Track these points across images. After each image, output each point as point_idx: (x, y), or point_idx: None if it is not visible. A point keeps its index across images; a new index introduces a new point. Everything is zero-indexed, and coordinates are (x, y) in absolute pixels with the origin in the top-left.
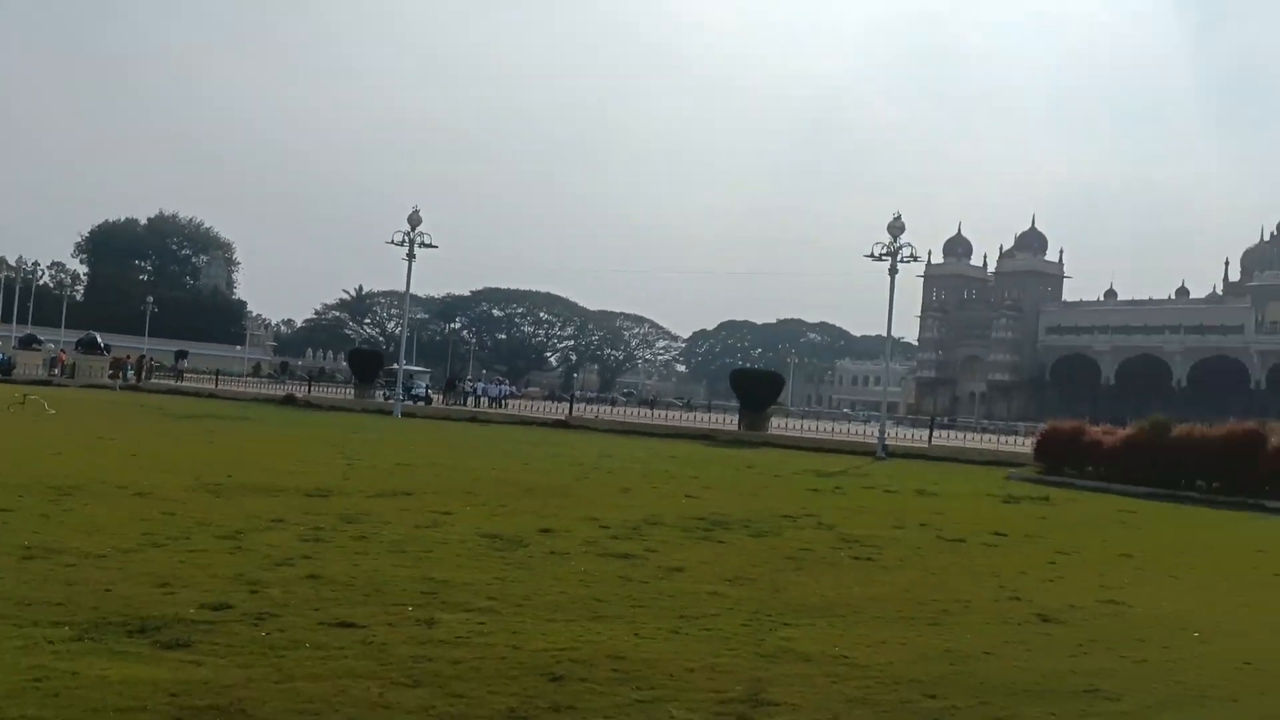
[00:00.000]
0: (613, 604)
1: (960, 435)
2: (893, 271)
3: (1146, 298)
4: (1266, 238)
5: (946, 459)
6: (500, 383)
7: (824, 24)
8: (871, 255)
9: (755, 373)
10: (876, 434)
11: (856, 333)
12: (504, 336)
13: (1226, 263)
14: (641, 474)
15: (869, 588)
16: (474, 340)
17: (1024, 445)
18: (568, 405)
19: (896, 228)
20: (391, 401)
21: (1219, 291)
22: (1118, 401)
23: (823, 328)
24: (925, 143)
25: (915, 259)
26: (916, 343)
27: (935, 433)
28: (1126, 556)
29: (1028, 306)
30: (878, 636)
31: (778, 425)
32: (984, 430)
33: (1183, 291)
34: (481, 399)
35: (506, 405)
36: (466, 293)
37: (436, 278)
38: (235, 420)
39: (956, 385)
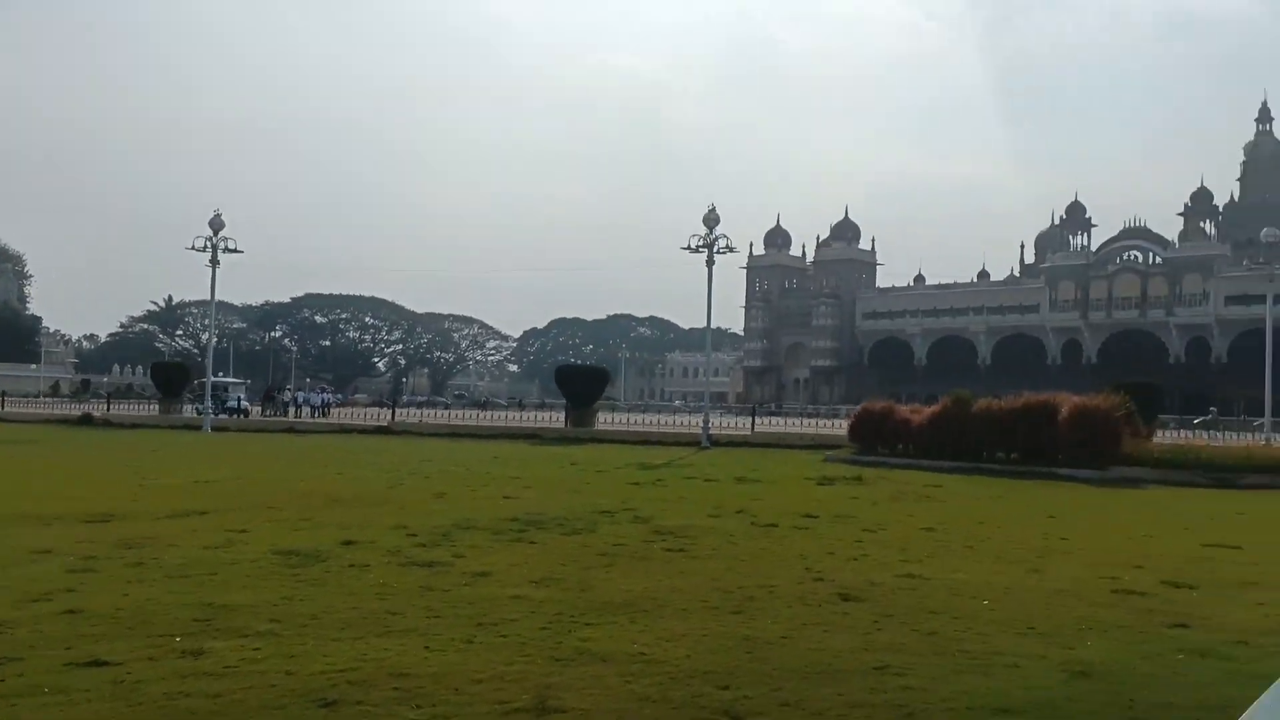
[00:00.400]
0: (407, 616)
1: (783, 421)
2: (710, 263)
3: (952, 281)
4: (1056, 222)
5: (769, 445)
6: (323, 391)
7: (638, 20)
8: (689, 247)
9: (580, 369)
10: (701, 424)
11: (685, 325)
12: (328, 343)
13: (1022, 246)
14: (461, 477)
15: (677, 579)
16: (296, 349)
17: (843, 428)
18: (390, 411)
19: (712, 220)
20: (202, 416)
21: (1016, 274)
22: (931, 381)
23: (653, 321)
24: (744, 137)
25: (732, 250)
26: (743, 333)
27: (759, 420)
28: (928, 530)
29: (845, 294)
30: (679, 629)
31: (605, 420)
32: (809, 415)
33: (983, 274)
34: (303, 409)
35: (330, 414)
36: (287, 299)
37: (255, 285)
38: (18, 445)
39: (782, 372)
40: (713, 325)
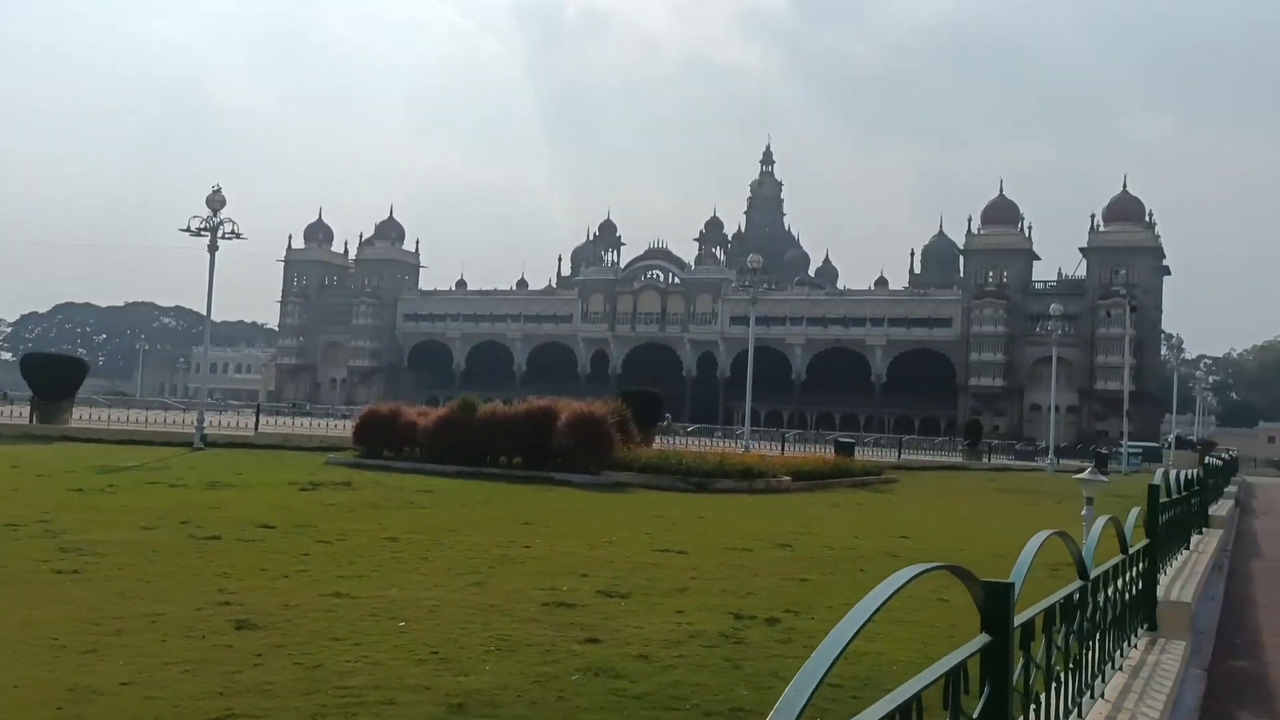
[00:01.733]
0: None
1: (307, 422)
2: (212, 248)
3: (493, 288)
4: (590, 238)
5: (273, 446)
6: None
7: None
8: (188, 230)
9: (50, 358)
10: (205, 423)
11: (217, 318)
12: None
13: (560, 259)
14: None
15: (40, 610)
16: None
17: None
18: None
19: (216, 202)
20: None
21: (554, 285)
22: (470, 385)
23: (179, 312)
24: (292, 126)
25: (238, 236)
26: (278, 329)
27: (278, 419)
28: (392, 540)
29: (387, 294)
30: None
31: (87, 416)
32: (341, 416)
33: (522, 283)
34: None
35: None
36: None
37: None
38: None
39: (318, 371)
40: (249, 320)
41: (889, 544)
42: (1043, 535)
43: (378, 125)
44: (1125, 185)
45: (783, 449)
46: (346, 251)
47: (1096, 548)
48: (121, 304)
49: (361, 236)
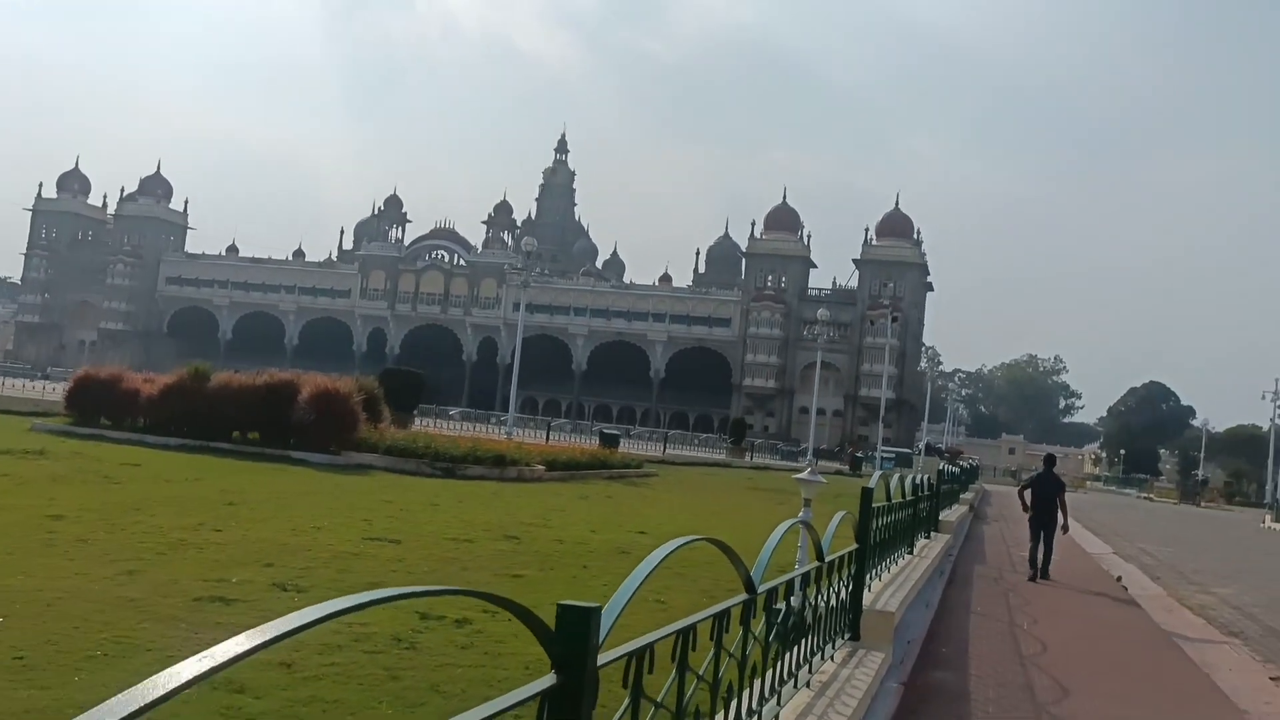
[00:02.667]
0: None
1: (21, 384)
2: None
3: (268, 256)
4: (376, 212)
5: None
6: None
7: None
8: None
9: None
10: None
11: None
12: None
13: (342, 232)
14: None
15: None
16: None
17: None
18: None
19: None
20: None
21: (334, 258)
22: (236, 356)
23: None
24: (54, 66)
25: None
26: (21, 283)
27: None
28: (54, 519)
29: (148, 254)
30: None
31: None
32: None
33: (299, 254)
34: None
35: None
36: None
37: None
38: None
39: (65, 332)
40: None
41: (624, 539)
42: (782, 527)
43: (157, 79)
44: (898, 203)
45: (547, 437)
46: (105, 205)
47: (832, 545)
48: None
49: (123, 191)
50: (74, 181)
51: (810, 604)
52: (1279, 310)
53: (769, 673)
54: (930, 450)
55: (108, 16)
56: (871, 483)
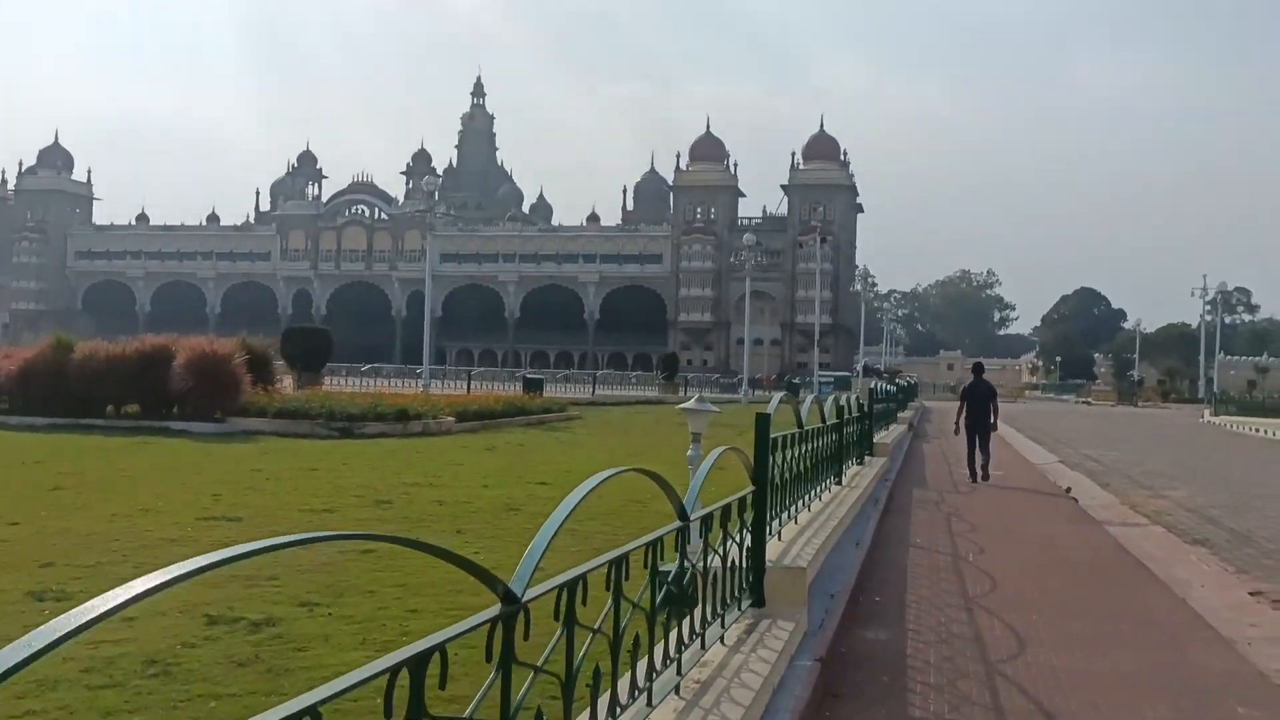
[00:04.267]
0: None
1: None
2: None
3: (180, 224)
4: (290, 170)
5: None
6: None
7: None
8: None
9: None
10: None
11: None
12: None
13: (258, 193)
14: None
15: None
16: None
17: None
18: None
19: None
20: None
21: (252, 221)
22: (157, 328)
23: None
24: None
25: None
26: None
27: None
28: None
29: (54, 229)
30: None
31: None
32: None
33: (214, 218)
34: None
35: None
36: None
37: None
38: None
39: None
40: None
41: (519, 494)
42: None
43: (41, 42)
44: (822, 125)
45: (469, 388)
46: (4, 182)
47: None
48: None
49: (21, 165)
50: None
51: (686, 570)
52: (1203, 208)
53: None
54: (868, 371)
55: None
56: (770, 407)
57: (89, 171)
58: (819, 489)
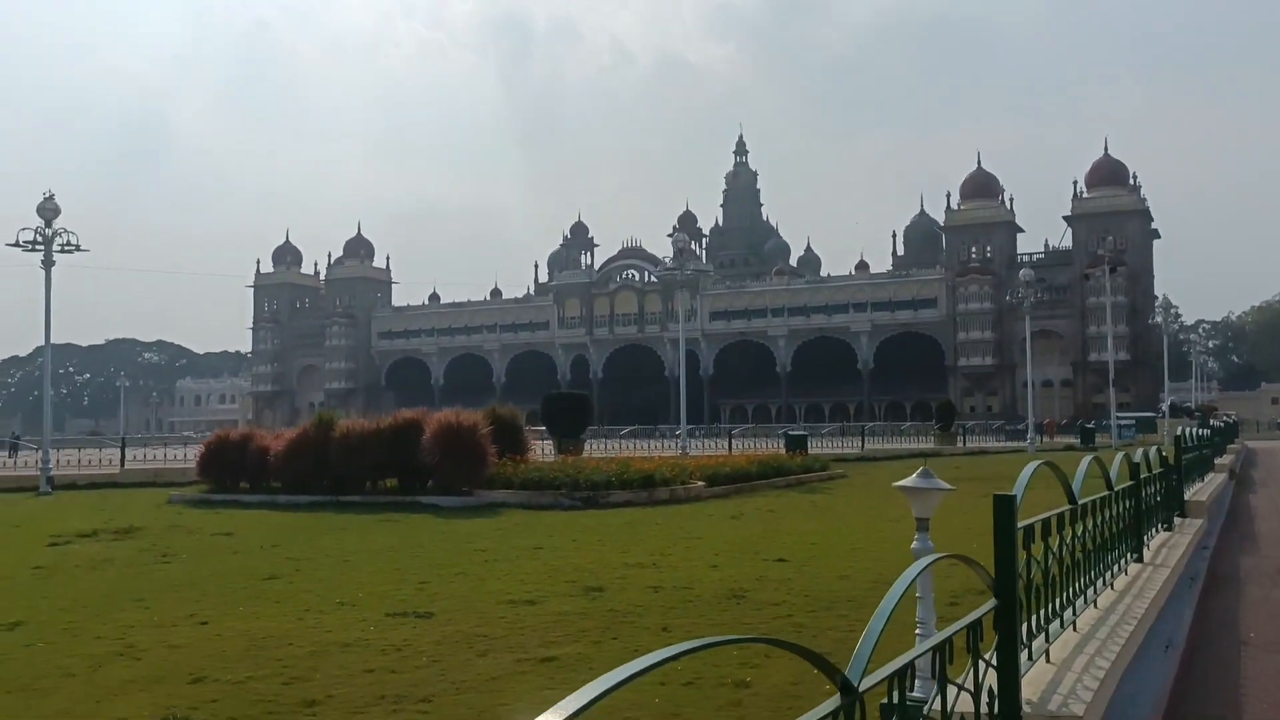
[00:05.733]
0: None
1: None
2: (48, 263)
3: (466, 300)
4: (564, 242)
5: (138, 484)
6: None
7: (142, 23)
8: (17, 244)
9: None
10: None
11: (200, 350)
12: None
13: (536, 266)
14: None
15: None
16: None
17: None
18: None
19: (49, 210)
20: None
21: (531, 293)
22: (450, 400)
23: (160, 346)
24: (254, 151)
25: (77, 248)
26: (251, 355)
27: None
28: (9, 628)
29: (360, 313)
30: None
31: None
32: None
33: (496, 292)
34: None
35: None
36: None
37: None
38: None
39: (295, 396)
40: (226, 349)
41: (751, 574)
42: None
43: (343, 145)
44: (1106, 148)
45: (730, 447)
46: (317, 273)
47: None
48: (103, 341)
49: (330, 257)
50: (286, 254)
51: None
52: None
53: None
54: (1176, 411)
55: (281, 91)
56: (1019, 485)
57: (387, 258)
58: (1109, 574)
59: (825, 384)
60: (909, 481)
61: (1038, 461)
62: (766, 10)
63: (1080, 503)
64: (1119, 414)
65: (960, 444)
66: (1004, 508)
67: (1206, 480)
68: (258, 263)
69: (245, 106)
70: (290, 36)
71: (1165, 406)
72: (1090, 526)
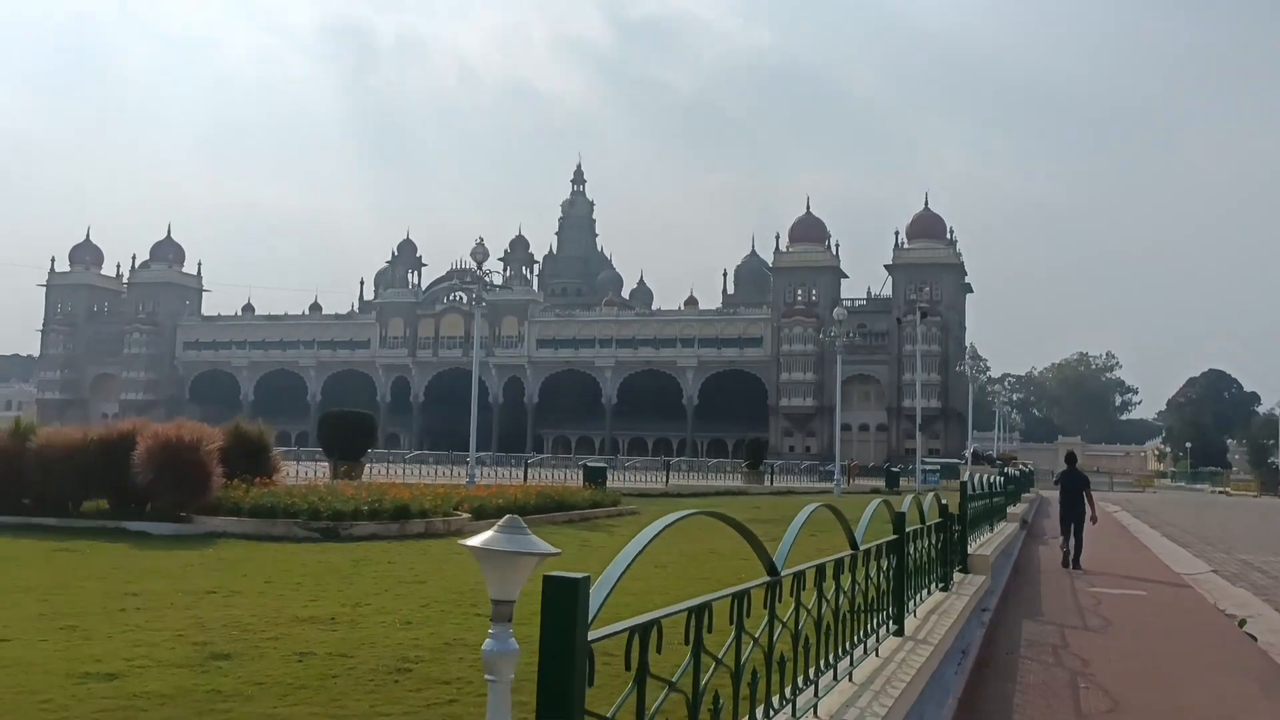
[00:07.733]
0: None
1: None
2: None
3: (284, 313)
4: (391, 259)
5: None
6: None
7: None
8: None
9: None
10: None
11: None
12: None
13: (362, 282)
14: None
15: None
16: None
17: None
18: None
19: None
20: None
21: (355, 310)
22: (260, 417)
23: None
24: (59, 140)
25: None
26: (39, 360)
27: None
28: None
29: (165, 320)
30: None
31: None
32: None
33: (316, 307)
34: None
35: None
36: None
37: None
38: None
39: (89, 406)
40: (13, 352)
41: (448, 634)
42: None
43: (162, 144)
44: (927, 202)
45: (525, 476)
46: (120, 275)
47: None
48: None
49: (135, 260)
50: (86, 253)
51: None
52: None
53: None
54: (979, 459)
55: (100, 85)
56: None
57: (199, 264)
58: (847, 660)
59: (650, 418)
60: (481, 541)
61: (813, 506)
62: (617, 46)
63: (799, 569)
64: (925, 459)
65: (768, 483)
66: (563, 594)
67: (997, 529)
68: (53, 260)
69: (56, 95)
70: (113, 29)
71: (969, 454)
72: (824, 598)
